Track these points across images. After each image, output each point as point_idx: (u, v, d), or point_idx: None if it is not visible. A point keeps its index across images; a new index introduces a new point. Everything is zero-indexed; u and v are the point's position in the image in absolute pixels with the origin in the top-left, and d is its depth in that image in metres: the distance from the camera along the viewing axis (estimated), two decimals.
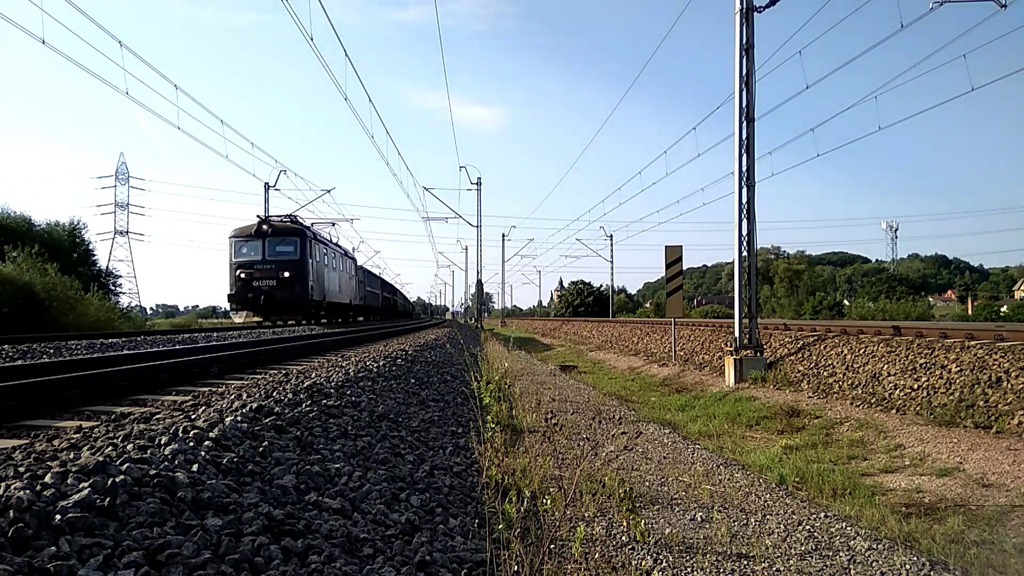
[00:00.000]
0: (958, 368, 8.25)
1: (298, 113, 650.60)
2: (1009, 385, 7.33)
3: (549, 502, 3.56)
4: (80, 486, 2.27)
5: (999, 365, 7.77)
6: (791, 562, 3.73)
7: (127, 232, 72.85)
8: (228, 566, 2.10)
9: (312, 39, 12.14)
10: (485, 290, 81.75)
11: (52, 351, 8.38)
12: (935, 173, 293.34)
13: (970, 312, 60.34)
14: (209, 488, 2.61)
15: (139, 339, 11.91)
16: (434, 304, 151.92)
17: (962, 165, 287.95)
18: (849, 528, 4.41)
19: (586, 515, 3.92)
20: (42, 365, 6.01)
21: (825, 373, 10.56)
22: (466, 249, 67.34)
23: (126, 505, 2.26)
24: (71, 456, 2.76)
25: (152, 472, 2.55)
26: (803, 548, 3.99)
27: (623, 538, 3.88)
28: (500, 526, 3.29)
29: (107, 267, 42.63)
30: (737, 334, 12.57)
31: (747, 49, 12.30)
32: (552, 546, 3.03)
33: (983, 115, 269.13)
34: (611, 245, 55.72)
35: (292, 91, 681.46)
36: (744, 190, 12.42)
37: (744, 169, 12.37)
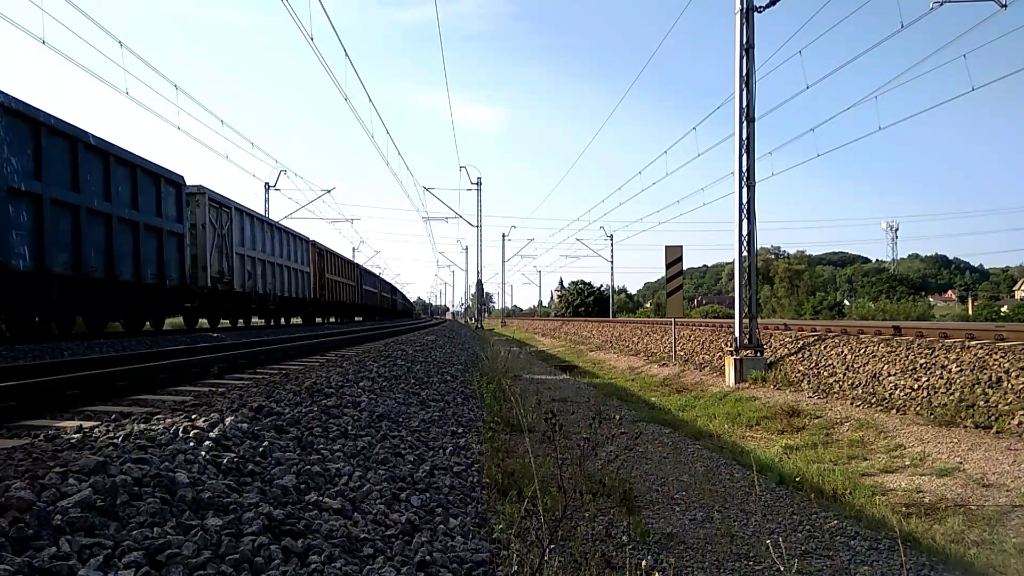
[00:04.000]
0: (958, 368, 8.25)
1: (298, 113, 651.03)
2: (1009, 385, 7.33)
3: (549, 502, 3.56)
4: (80, 486, 2.27)
5: (999, 365, 7.77)
6: (791, 562, 3.73)
7: None
8: (228, 566, 2.10)
9: (312, 39, 12.15)
10: (485, 290, 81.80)
11: (52, 350, 8.38)
12: (935, 173, 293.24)
13: (970, 312, 60.28)
14: (209, 488, 2.61)
15: (139, 339, 11.92)
16: (434, 304, 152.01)
17: (962, 165, 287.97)
18: (849, 528, 4.41)
19: (586, 515, 3.92)
20: (42, 365, 6.01)
21: (825, 373, 10.55)
22: (466, 249, 67.29)
23: (126, 505, 2.26)
24: (71, 456, 2.76)
25: (152, 472, 2.55)
26: (803, 548, 3.99)
27: (623, 538, 3.88)
28: (500, 526, 3.29)
29: None
30: (737, 334, 12.57)
31: (747, 49, 12.30)
32: (552, 546, 3.03)
33: (983, 115, 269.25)
34: (611, 245, 55.77)
35: (292, 91, 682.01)
36: (744, 190, 12.42)
37: (744, 169, 12.38)
